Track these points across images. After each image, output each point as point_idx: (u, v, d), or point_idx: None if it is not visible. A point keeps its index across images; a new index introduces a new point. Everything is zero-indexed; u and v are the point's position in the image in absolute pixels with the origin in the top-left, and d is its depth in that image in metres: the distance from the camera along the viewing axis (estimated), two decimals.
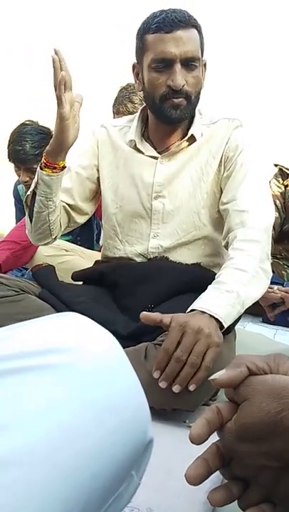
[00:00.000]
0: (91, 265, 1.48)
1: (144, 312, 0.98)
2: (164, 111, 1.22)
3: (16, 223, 2.53)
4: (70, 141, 1.21)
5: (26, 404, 0.36)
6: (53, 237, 1.38)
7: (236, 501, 0.49)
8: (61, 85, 1.12)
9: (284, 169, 2.39)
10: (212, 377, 0.46)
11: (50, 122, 2.31)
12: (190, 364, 0.94)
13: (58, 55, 1.12)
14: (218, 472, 0.57)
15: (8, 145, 2.12)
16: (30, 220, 1.35)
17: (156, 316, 0.98)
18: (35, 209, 1.30)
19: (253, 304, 1.17)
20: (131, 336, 1.12)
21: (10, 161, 2.18)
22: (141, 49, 1.23)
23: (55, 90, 1.13)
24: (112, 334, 0.44)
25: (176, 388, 0.94)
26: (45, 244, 1.44)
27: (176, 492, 0.74)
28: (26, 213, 1.37)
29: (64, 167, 1.27)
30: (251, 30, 3.29)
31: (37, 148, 2.09)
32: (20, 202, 2.50)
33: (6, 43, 3.54)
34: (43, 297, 1.26)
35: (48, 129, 2.20)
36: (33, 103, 3.43)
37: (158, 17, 1.18)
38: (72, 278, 1.42)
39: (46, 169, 1.25)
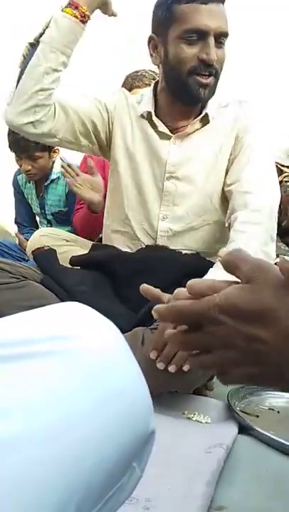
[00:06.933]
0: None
1: (145, 284, 0.98)
2: (190, 88, 1.16)
3: (15, 214, 2.51)
4: None
5: (28, 390, 0.36)
6: (36, 118, 1.21)
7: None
8: None
9: (278, 165, 2.38)
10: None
11: None
12: None
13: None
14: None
15: (9, 134, 2.10)
16: (17, 83, 1.21)
17: (156, 291, 0.97)
18: (30, 63, 1.17)
19: None
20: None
21: (11, 150, 2.15)
22: (167, 20, 1.15)
23: None
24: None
25: (172, 368, 0.95)
26: (23, 127, 1.24)
27: (174, 482, 0.74)
28: (16, 78, 1.22)
29: (86, 20, 1.18)
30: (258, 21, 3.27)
31: None
32: (19, 192, 2.48)
33: (6, 32, 3.51)
34: (45, 284, 1.25)
35: None
36: None
37: None
38: (70, 263, 1.40)
39: (67, 9, 1.17)
